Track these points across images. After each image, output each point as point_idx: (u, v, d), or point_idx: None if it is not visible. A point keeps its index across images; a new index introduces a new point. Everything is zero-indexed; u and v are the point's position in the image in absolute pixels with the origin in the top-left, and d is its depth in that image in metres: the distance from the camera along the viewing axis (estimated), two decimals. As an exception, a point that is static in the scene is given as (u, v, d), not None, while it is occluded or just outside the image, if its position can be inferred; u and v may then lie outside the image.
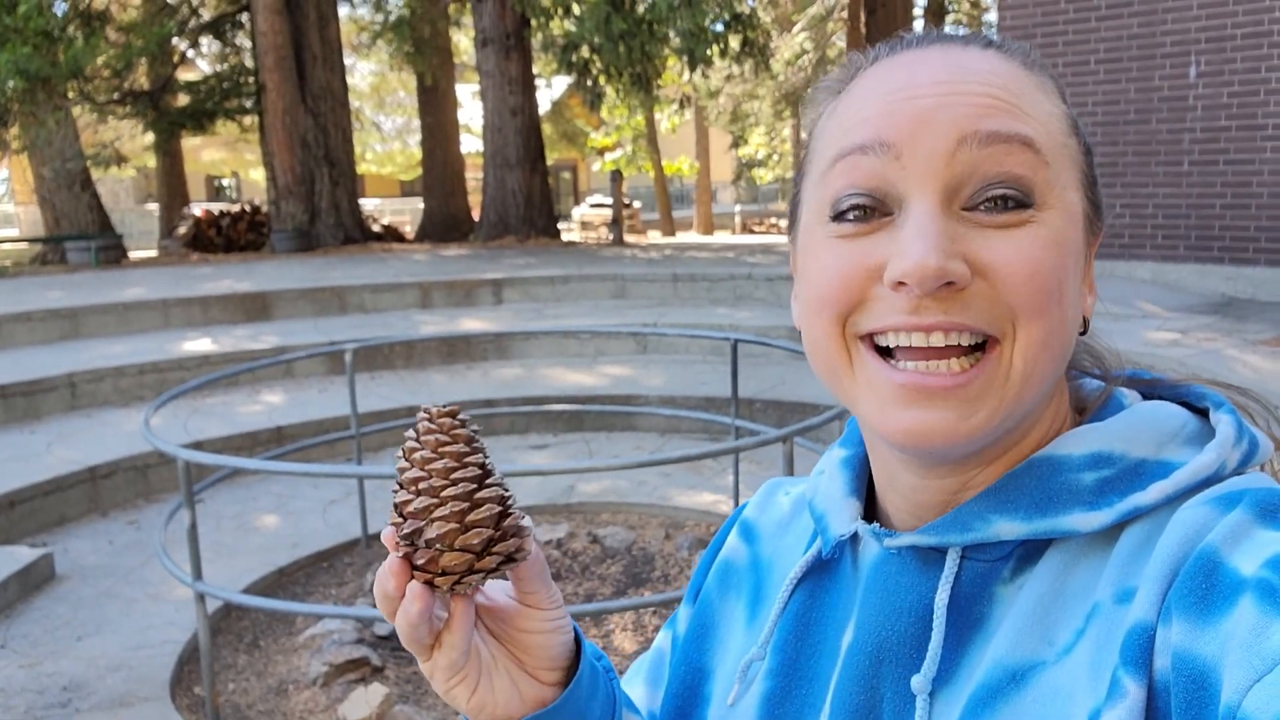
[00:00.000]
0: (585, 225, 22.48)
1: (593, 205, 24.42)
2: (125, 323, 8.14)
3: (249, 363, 5.78)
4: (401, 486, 0.59)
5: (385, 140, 28.48)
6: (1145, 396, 0.63)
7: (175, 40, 15.06)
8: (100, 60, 12.92)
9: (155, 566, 4.42)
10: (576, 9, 12.85)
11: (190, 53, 17.55)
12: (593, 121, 26.96)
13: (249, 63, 15.17)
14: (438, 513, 0.57)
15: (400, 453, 0.60)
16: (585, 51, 12.88)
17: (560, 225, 16.90)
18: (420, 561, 0.58)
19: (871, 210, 0.55)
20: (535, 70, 15.28)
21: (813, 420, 3.28)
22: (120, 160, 17.14)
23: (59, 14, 12.32)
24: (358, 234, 14.93)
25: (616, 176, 15.41)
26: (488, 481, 0.59)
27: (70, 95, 12.95)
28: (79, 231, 13.76)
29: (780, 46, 21.08)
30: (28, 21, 11.25)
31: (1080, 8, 7.90)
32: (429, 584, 0.58)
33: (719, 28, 12.67)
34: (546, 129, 21.11)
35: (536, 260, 11.11)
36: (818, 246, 0.58)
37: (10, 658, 3.72)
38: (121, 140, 17.24)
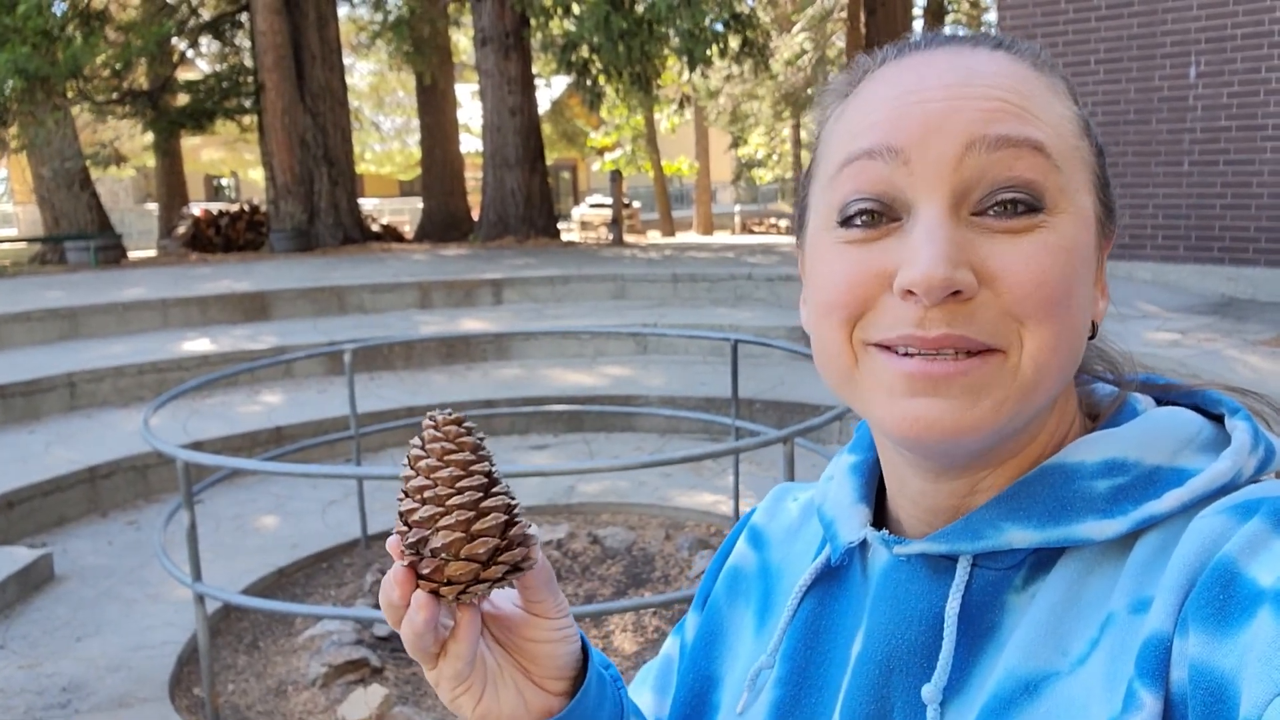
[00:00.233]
0: (585, 225, 22.48)
1: (592, 205, 24.42)
2: (124, 323, 8.14)
3: (248, 363, 5.77)
4: (407, 495, 0.58)
5: (384, 140, 28.48)
6: (1159, 402, 0.62)
7: (174, 40, 15.05)
8: (99, 60, 12.91)
9: (155, 567, 4.42)
10: (576, 8, 12.84)
11: (189, 52, 17.53)
12: (592, 121, 26.96)
13: (248, 62, 15.16)
14: (443, 521, 0.56)
15: (405, 460, 0.59)
16: (585, 51, 12.87)
17: (560, 225, 16.89)
18: (426, 570, 0.57)
19: (879, 216, 0.55)
20: (535, 70, 15.27)
21: (813, 421, 3.28)
22: (119, 160, 17.16)
23: (58, 13, 12.30)
24: (357, 234, 14.93)
25: (616, 176, 15.42)
26: (494, 490, 0.58)
27: (69, 95, 12.94)
28: (78, 231, 13.75)
29: (780, 47, 21.09)
30: (27, 21, 11.24)
31: (1080, 8, 7.90)
32: (434, 593, 0.57)
33: (719, 28, 12.66)
34: (546, 129, 21.11)
35: (536, 260, 11.11)
36: (826, 252, 0.58)
37: (9, 658, 3.72)
38: (120, 140, 17.25)
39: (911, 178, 0.54)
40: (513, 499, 0.59)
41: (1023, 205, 0.53)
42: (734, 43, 13.30)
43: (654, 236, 21.20)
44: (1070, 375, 0.56)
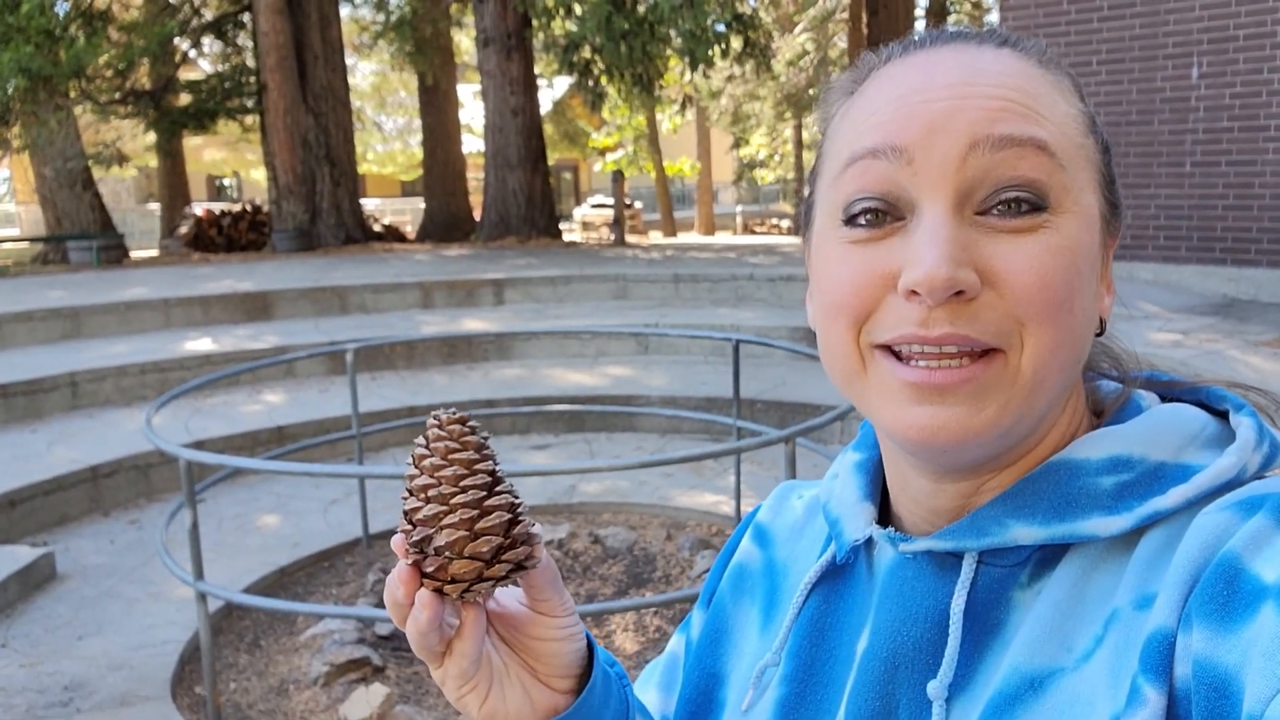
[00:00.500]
0: (586, 226, 22.49)
1: (594, 205, 24.44)
2: (126, 322, 8.14)
3: (250, 362, 5.77)
4: (411, 493, 0.58)
5: (386, 140, 28.51)
6: (1163, 398, 0.62)
7: (177, 40, 15.07)
8: (102, 60, 12.92)
9: (156, 566, 4.42)
10: (578, 9, 12.84)
11: (192, 52, 17.57)
12: (594, 122, 26.97)
13: (250, 62, 15.17)
14: (447, 520, 0.57)
15: (410, 459, 0.59)
16: (587, 51, 12.88)
17: (561, 225, 16.89)
18: (429, 569, 0.57)
19: (884, 214, 0.55)
20: (537, 70, 15.28)
21: (815, 421, 3.28)
22: (122, 160, 17.15)
23: (61, 13, 12.32)
24: (359, 234, 14.94)
25: (618, 177, 15.41)
26: (498, 489, 0.58)
27: (72, 94, 12.95)
28: (80, 231, 13.76)
29: (782, 47, 21.09)
30: (30, 20, 11.26)
31: (1083, 9, 7.90)
32: (438, 591, 0.58)
33: (721, 28, 12.66)
34: (548, 129, 21.11)
35: (538, 260, 11.11)
36: (831, 250, 0.58)
37: (11, 657, 3.72)
38: (123, 140, 17.26)
39: (915, 177, 0.54)
40: (516, 498, 0.59)
41: (1026, 204, 0.53)
42: (736, 43, 13.30)
43: (655, 237, 21.20)
44: (1074, 375, 0.56)
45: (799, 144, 25.79)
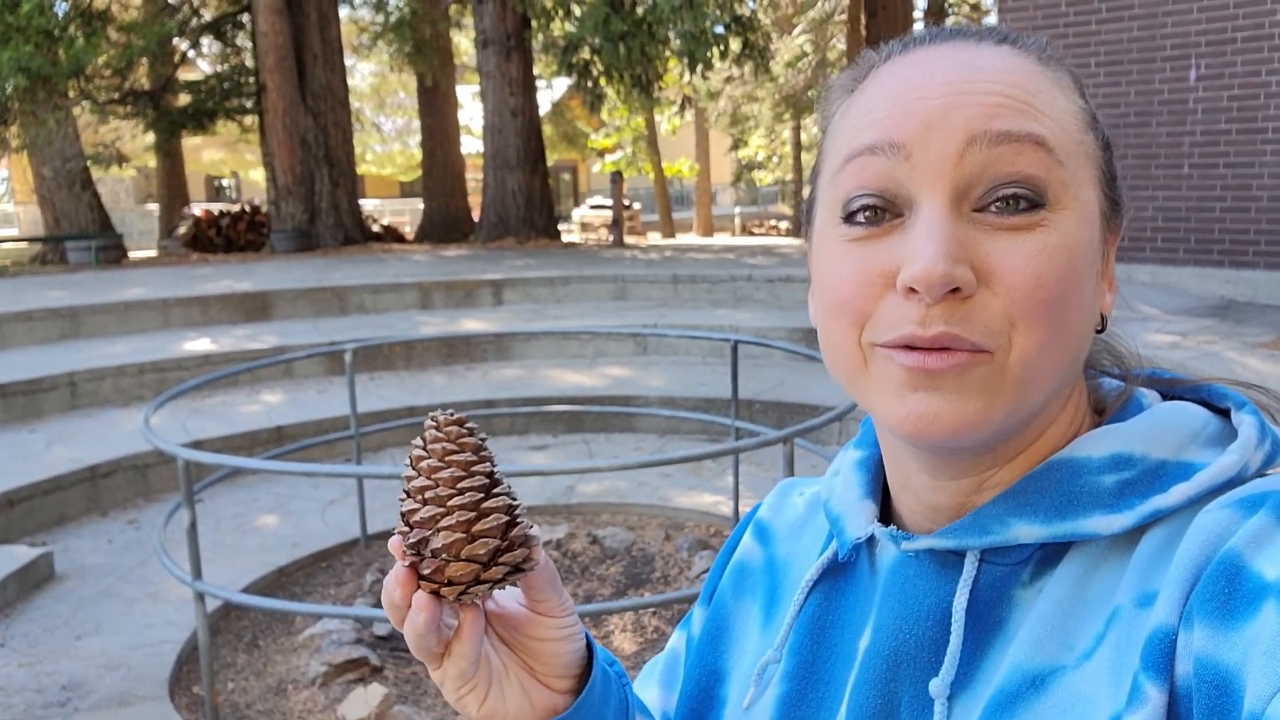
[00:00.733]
0: (585, 226, 22.50)
1: (593, 206, 24.43)
2: (125, 322, 8.14)
3: (249, 363, 5.77)
4: (408, 495, 0.58)
5: (385, 141, 28.49)
6: (1165, 396, 0.62)
7: (176, 40, 15.06)
8: (101, 60, 12.92)
9: (155, 566, 4.42)
10: (577, 10, 12.85)
11: (191, 53, 17.55)
12: (593, 123, 26.97)
13: (249, 63, 15.17)
14: (444, 522, 0.56)
15: (407, 460, 0.59)
16: (586, 53, 12.88)
17: (560, 226, 16.89)
18: (426, 571, 0.57)
19: (882, 211, 0.55)
20: (536, 71, 15.28)
21: (813, 421, 3.28)
22: (120, 160, 17.15)
23: (60, 13, 12.32)
24: (358, 234, 14.93)
25: (617, 178, 15.41)
26: (495, 491, 0.58)
27: (71, 94, 12.95)
28: (79, 231, 13.75)
29: (780, 49, 21.10)
30: (30, 20, 11.25)
31: (1081, 11, 7.91)
32: (435, 594, 0.57)
33: (719, 30, 12.67)
34: (547, 130, 21.11)
35: (536, 261, 11.11)
36: (832, 248, 0.58)
37: (9, 656, 3.72)
38: (122, 140, 17.25)
39: (913, 173, 0.54)
40: (514, 500, 0.59)
41: (1024, 201, 0.53)
42: (735, 45, 13.31)
43: (654, 238, 21.20)
44: (1070, 373, 0.56)
45: (797, 145, 25.78)
